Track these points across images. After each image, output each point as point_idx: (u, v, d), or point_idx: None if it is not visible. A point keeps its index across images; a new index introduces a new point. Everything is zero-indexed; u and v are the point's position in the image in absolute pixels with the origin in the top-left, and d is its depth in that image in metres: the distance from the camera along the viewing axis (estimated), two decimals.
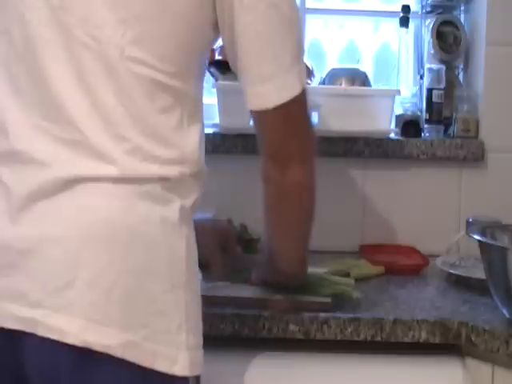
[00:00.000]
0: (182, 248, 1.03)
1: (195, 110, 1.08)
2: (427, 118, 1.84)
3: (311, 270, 1.36)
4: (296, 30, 1.08)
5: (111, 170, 1.00)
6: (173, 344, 1.00)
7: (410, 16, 1.87)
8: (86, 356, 0.96)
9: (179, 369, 1.00)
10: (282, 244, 1.25)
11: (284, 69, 1.06)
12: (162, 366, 0.98)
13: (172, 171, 1.04)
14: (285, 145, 1.10)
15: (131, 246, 0.99)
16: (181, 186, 1.05)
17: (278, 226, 1.22)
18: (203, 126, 1.11)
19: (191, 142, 1.06)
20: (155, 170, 1.02)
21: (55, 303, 0.96)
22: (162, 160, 1.03)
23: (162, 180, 1.03)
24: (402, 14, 1.86)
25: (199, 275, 1.08)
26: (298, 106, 1.08)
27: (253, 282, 1.37)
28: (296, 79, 1.07)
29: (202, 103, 1.11)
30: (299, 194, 1.15)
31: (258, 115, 1.09)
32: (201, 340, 1.05)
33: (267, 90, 1.06)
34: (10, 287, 0.99)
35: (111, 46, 1.00)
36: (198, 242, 1.08)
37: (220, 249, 1.41)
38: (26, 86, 1.03)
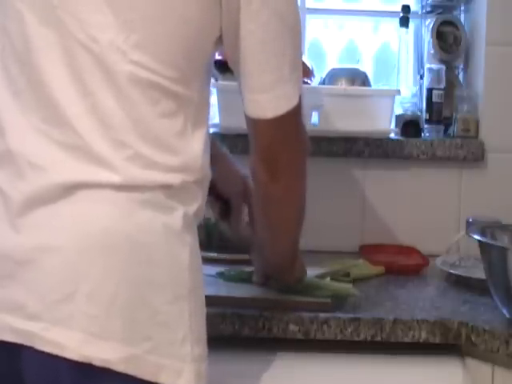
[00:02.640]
0: (185, 257, 1.00)
1: (200, 116, 1.05)
2: (427, 118, 1.84)
3: (308, 272, 1.36)
4: (297, 38, 1.07)
5: (111, 177, 0.97)
6: (177, 356, 0.97)
7: (410, 16, 1.87)
8: (86, 371, 0.93)
9: (184, 382, 0.97)
10: (268, 241, 1.24)
11: (284, 79, 1.04)
12: (166, 379, 0.96)
13: (174, 179, 1.01)
14: (276, 151, 1.08)
15: (132, 256, 0.96)
16: (184, 194, 1.02)
17: (263, 225, 1.21)
18: (208, 132, 1.08)
19: (195, 149, 1.03)
20: (157, 177, 0.99)
21: (54, 316, 0.94)
22: (164, 167, 1.00)
23: (165, 187, 1.00)
24: (402, 14, 1.86)
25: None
26: (293, 115, 1.07)
27: (255, 283, 1.37)
28: (295, 88, 1.06)
29: (207, 107, 1.09)
30: (287, 199, 1.14)
31: (253, 121, 1.07)
32: (205, 351, 1.03)
33: (267, 100, 1.05)
34: (8, 298, 0.96)
35: (113, 49, 0.98)
36: (227, 181, 1.15)
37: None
38: (25, 87, 1.01)
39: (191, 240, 1.03)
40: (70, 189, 0.97)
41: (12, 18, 1.02)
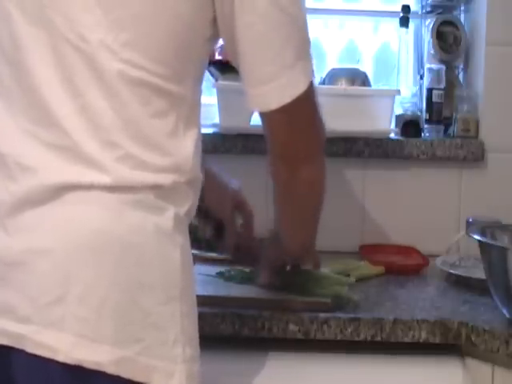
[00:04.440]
0: (176, 257, 1.00)
1: (192, 116, 1.04)
2: (427, 118, 1.84)
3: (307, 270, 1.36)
4: (299, 24, 1.04)
5: (102, 178, 0.96)
6: (169, 358, 0.97)
7: (410, 16, 1.87)
8: (77, 373, 0.93)
9: (176, 383, 0.97)
10: (288, 233, 1.24)
11: (287, 65, 1.02)
12: (158, 380, 0.96)
13: (165, 179, 1.00)
14: (292, 144, 1.07)
15: (123, 257, 0.96)
16: (175, 194, 1.01)
17: (284, 218, 1.21)
18: (200, 131, 1.07)
19: (186, 150, 1.02)
20: (148, 178, 0.98)
21: (45, 319, 0.93)
22: (154, 168, 0.99)
23: (155, 188, 0.99)
24: (402, 14, 1.86)
25: (195, 283, 1.06)
26: (303, 104, 1.04)
27: (258, 283, 1.36)
28: (301, 75, 1.04)
29: (199, 107, 1.08)
30: (308, 193, 1.14)
31: (263, 115, 1.06)
32: (197, 352, 1.02)
33: (269, 90, 1.02)
34: None
35: (103, 48, 0.96)
36: (217, 201, 1.12)
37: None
38: (13, 87, 1.00)
39: (182, 240, 1.02)
40: (60, 190, 0.96)
41: (0, 18, 1.01)
